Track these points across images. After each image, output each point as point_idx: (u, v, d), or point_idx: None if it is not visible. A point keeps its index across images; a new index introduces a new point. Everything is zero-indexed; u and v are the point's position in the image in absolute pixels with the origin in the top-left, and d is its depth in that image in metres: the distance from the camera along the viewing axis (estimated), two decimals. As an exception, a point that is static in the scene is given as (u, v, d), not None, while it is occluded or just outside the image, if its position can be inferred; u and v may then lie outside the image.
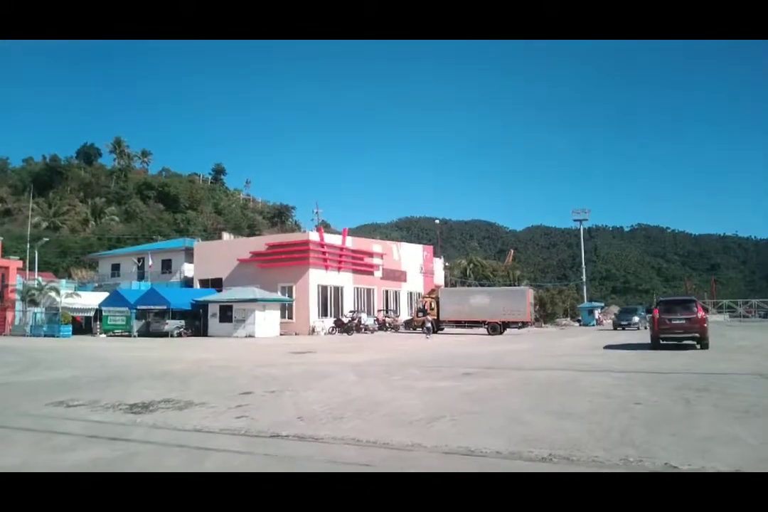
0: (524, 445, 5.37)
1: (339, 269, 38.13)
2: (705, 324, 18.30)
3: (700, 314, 18.39)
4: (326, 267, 37.11)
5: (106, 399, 8.72)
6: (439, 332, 35.23)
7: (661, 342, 19.04)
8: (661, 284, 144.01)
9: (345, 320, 35.59)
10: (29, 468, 4.69)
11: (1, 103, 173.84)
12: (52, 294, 35.66)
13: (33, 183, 77.46)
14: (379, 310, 40.87)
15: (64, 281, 41.79)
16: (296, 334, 33.92)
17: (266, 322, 32.77)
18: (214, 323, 33.90)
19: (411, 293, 44.99)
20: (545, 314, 55.38)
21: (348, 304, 38.31)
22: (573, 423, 6.42)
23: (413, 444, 5.50)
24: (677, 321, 18.38)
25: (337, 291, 37.93)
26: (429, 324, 31.36)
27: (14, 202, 77.54)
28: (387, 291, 42.83)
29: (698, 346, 18.48)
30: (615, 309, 62.12)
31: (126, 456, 5.13)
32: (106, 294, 37.06)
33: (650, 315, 20.39)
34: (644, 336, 23.86)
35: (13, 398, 9.13)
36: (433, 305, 35.61)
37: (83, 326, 37.42)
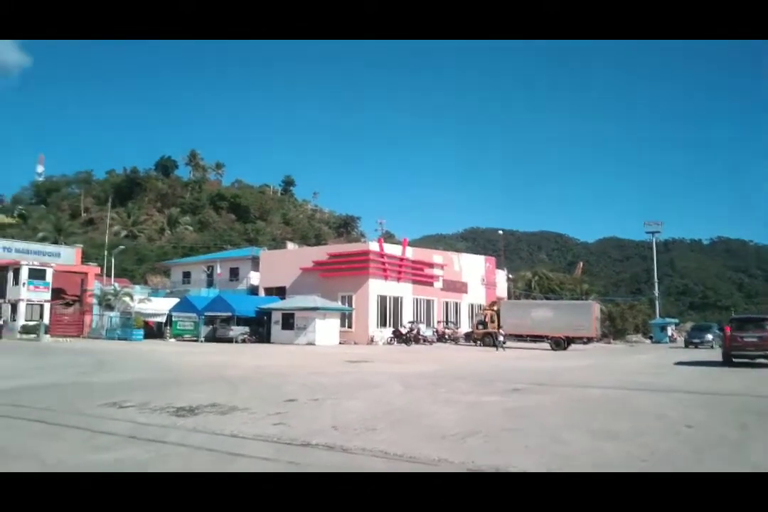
0: (555, 464, 5.19)
1: (399, 279, 38.19)
2: None
3: None
4: (386, 278, 37.26)
5: (157, 401, 9.06)
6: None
7: (733, 360, 19.11)
8: (743, 300, 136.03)
9: (404, 330, 35.54)
10: (63, 465, 4.93)
11: (86, 118, 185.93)
12: (126, 299, 37.47)
13: (114, 193, 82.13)
14: (438, 321, 40.58)
15: (138, 287, 43.85)
16: (355, 343, 34.17)
17: (326, 331, 33.20)
18: (276, 330, 34.65)
19: (472, 305, 44.44)
20: (615, 330, 53.40)
21: (407, 315, 38.26)
22: (614, 444, 6.15)
23: (440, 459, 5.41)
24: (749, 339, 18.65)
25: (397, 301, 37.97)
26: (501, 338, 31.15)
27: (97, 212, 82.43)
28: (447, 303, 42.49)
29: None
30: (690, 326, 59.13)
31: (157, 458, 5.31)
32: (176, 300, 38.56)
33: (723, 333, 20.74)
34: (716, 354, 22.93)
35: (72, 397, 9.64)
36: (494, 318, 35.00)
37: (155, 330, 39.02)
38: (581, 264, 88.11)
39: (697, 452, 5.83)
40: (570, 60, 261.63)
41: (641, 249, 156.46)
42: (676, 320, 63.54)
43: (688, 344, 36.94)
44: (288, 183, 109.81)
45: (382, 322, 36.78)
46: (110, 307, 38.12)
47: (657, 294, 67.13)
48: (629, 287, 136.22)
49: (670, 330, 52.35)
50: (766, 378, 14.84)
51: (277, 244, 68.15)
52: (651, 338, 52.79)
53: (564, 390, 11.88)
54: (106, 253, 48.49)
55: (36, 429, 6.79)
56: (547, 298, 56.62)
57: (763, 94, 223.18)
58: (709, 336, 36.04)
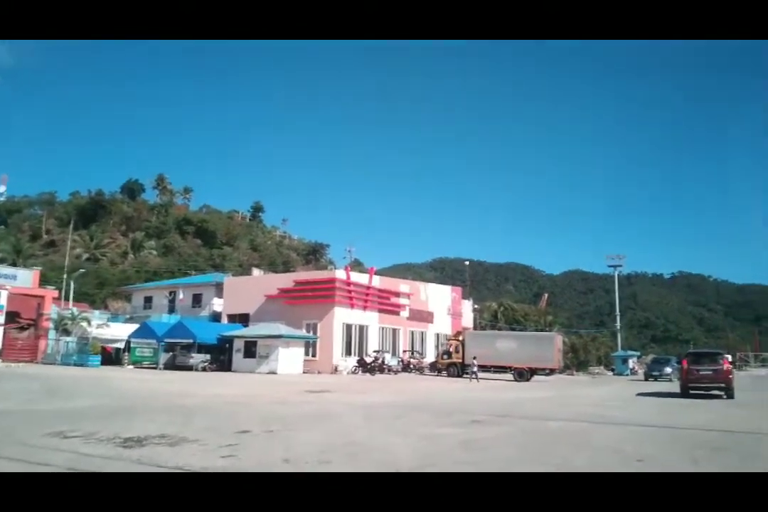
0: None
1: (365, 308, 38.04)
2: (730, 376, 19.78)
3: (726, 366, 19.96)
4: (352, 306, 37.07)
5: (106, 431, 8.74)
6: (464, 376, 34.55)
7: (690, 392, 20.18)
8: (703, 334, 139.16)
9: (368, 360, 35.24)
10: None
11: (51, 138, 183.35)
12: (84, 324, 36.43)
13: (77, 216, 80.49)
14: (404, 351, 40.40)
15: (97, 312, 42.71)
16: (319, 373, 33.69)
17: (289, 359, 32.69)
18: (238, 358, 33.98)
19: (438, 334, 44.43)
20: (577, 361, 53.91)
21: (372, 344, 37.99)
22: (565, 479, 6.13)
23: (390, 493, 5.31)
24: (705, 372, 19.82)
25: (362, 330, 37.74)
26: (475, 368, 31.14)
27: (59, 234, 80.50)
28: (413, 332, 42.40)
29: (725, 396, 19.57)
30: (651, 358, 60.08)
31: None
32: (136, 326, 37.64)
33: (680, 366, 22.31)
34: (674, 387, 23.44)
35: (17, 426, 9.24)
36: (459, 348, 35.01)
37: (113, 357, 37.91)
38: (546, 296, 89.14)
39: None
40: (536, 88, 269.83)
41: (605, 282, 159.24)
42: (638, 353, 64.50)
43: (647, 377, 37.45)
44: (257, 209, 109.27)
45: (347, 351, 36.43)
46: (67, 332, 37.00)
47: (619, 327, 68.18)
48: (593, 319, 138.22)
49: (631, 363, 53.01)
50: (723, 411, 15.06)
51: (244, 270, 67.39)
52: (613, 370, 53.38)
53: (523, 422, 11.87)
54: (65, 276, 47.28)
55: (-31, 461, 6.46)
56: (512, 329, 56.99)
57: (722, 129, 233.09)
58: (668, 370, 36.57)
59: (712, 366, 19.95)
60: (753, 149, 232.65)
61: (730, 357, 24.99)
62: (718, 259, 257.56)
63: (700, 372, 19.93)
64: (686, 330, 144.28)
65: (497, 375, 34.07)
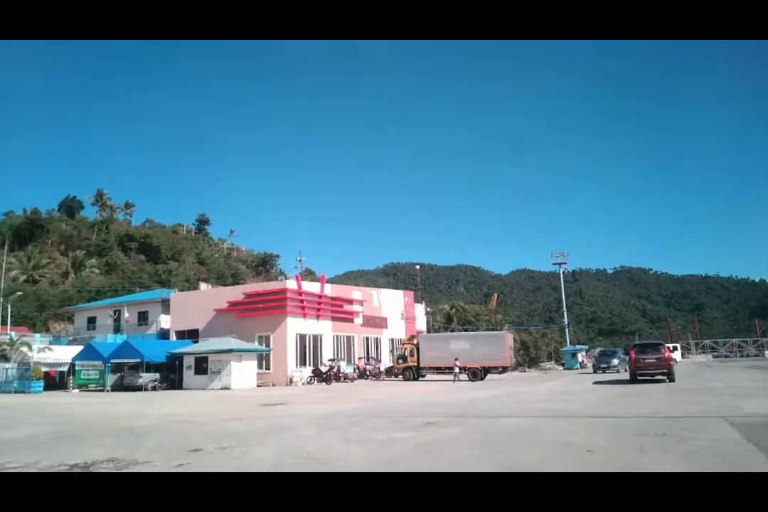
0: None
1: (318, 317, 37.82)
2: (671, 362, 23.39)
3: (667, 354, 23.25)
4: (304, 316, 36.81)
5: (48, 459, 8.40)
6: (421, 379, 34.77)
7: (638, 378, 23.32)
8: (647, 325, 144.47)
9: (324, 369, 35.03)
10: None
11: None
12: (24, 349, 34.88)
13: (13, 236, 77.06)
14: (359, 358, 40.35)
15: (38, 335, 40.94)
16: (273, 385, 33.27)
17: (242, 374, 32.16)
18: (189, 375, 33.19)
19: (392, 339, 44.56)
20: (529, 358, 55.03)
21: (327, 353, 37.80)
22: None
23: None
24: (649, 360, 22.92)
25: (316, 339, 37.50)
26: (457, 369, 31.97)
27: (-7, 256, 76.84)
28: (368, 339, 42.41)
29: (667, 380, 22.81)
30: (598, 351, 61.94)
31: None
32: (80, 348, 36.29)
33: (628, 356, 25.83)
34: (620, 377, 24.55)
35: (-50, 461, 8.75)
36: (413, 351, 35.23)
37: (57, 381, 36.42)
38: (495, 295, 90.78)
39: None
40: (483, 86, 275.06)
41: (551, 279, 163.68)
42: (586, 346, 66.42)
43: (596, 369, 38.52)
44: (202, 221, 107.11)
45: (302, 362, 36.13)
46: (6, 358, 35.32)
47: (567, 323, 70.08)
48: (542, 316, 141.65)
49: (580, 357, 54.52)
50: (665, 400, 15.66)
51: (191, 284, 65.93)
52: (563, 365, 54.75)
53: (477, 421, 12.04)
54: (1, 299, 45.17)
55: None
56: (465, 330, 57.73)
57: (662, 122, 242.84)
58: (615, 361, 37.66)
59: (656, 355, 22.90)
60: (695, 139, 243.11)
61: (671, 346, 27.57)
62: (657, 253, 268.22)
63: (646, 361, 22.85)
64: (631, 322, 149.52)
65: (451, 377, 34.43)
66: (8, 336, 37.17)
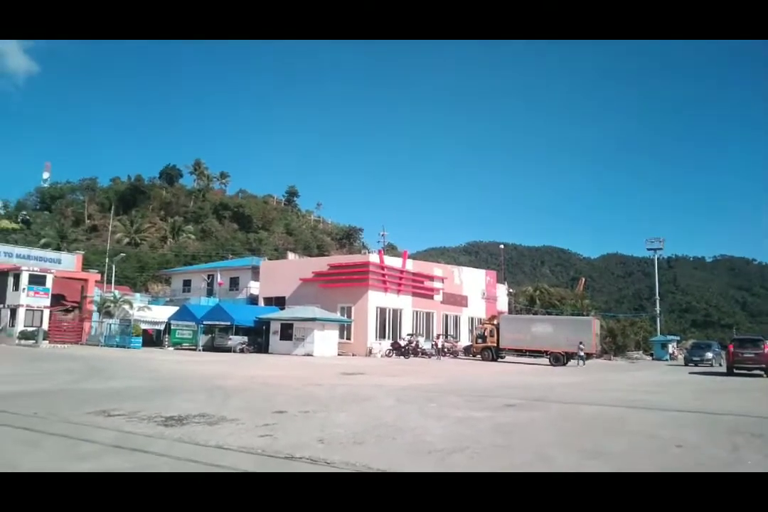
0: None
1: (398, 292, 38.13)
2: None
3: (766, 350, 23.74)
4: (385, 290, 37.21)
5: (147, 410, 9.01)
6: (499, 360, 34.43)
7: (735, 371, 24.22)
8: (746, 319, 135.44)
9: (402, 343, 35.40)
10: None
11: (91, 126, 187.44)
12: (126, 306, 37.45)
13: (118, 201, 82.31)
14: (437, 335, 40.41)
15: (138, 295, 43.81)
16: (353, 355, 34.04)
17: (324, 342, 33.09)
18: (275, 340, 34.53)
19: (472, 318, 44.29)
20: (615, 346, 53.09)
21: (406, 327, 38.13)
22: (600, 463, 6.08)
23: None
24: (748, 355, 23.82)
25: (396, 313, 37.88)
26: (582, 352, 31.62)
27: (101, 219, 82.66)
28: (447, 316, 42.37)
29: (765, 375, 23.56)
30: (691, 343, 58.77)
31: (137, 469, 5.26)
32: (176, 309, 38.54)
33: (725, 350, 27.14)
34: (714, 371, 25.07)
35: (61, 405, 9.59)
36: (493, 332, 34.84)
37: (154, 338, 38.97)
38: (583, 279, 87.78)
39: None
40: (574, 65, 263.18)
41: (644, 265, 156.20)
42: (678, 337, 63.12)
43: (687, 362, 36.58)
44: (292, 193, 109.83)
45: (381, 334, 36.67)
46: (110, 315, 38.10)
47: (659, 311, 66.79)
48: (631, 303, 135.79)
49: (671, 348, 51.98)
50: (760, 399, 14.71)
51: (280, 254, 68.17)
52: (651, 355, 52.45)
53: (558, 406, 11.78)
54: (107, 260, 48.58)
55: (18, 437, 6.76)
56: (548, 313, 56.42)
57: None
58: (709, 355, 35.47)
59: (755, 350, 23.80)
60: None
61: None
62: (762, 242, 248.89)
63: (744, 355, 23.86)
64: (728, 314, 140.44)
65: (532, 360, 33.86)
66: (112, 294, 40.00)
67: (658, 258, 71.86)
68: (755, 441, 7.83)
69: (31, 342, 33.72)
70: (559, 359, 32.16)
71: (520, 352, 34.11)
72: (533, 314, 54.87)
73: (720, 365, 32.98)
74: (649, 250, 69.62)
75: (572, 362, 32.18)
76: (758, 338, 26.19)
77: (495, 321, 36.17)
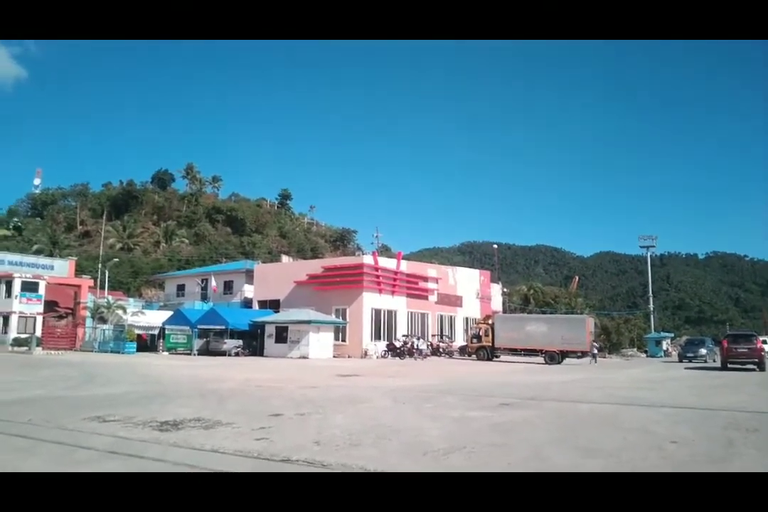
0: (533, 482, 5.14)
1: (393, 293, 38.15)
2: (762, 353, 24.89)
3: (759, 345, 24.95)
4: (380, 291, 37.22)
5: (142, 415, 8.98)
6: (495, 359, 34.50)
7: (729, 365, 25.08)
8: (739, 315, 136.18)
9: (398, 344, 35.43)
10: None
11: (82, 131, 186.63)
12: (120, 312, 37.33)
13: (110, 206, 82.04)
14: (433, 335, 40.47)
15: (132, 300, 43.64)
16: (349, 357, 34.04)
17: (320, 344, 33.08)
18: (270, 343, 34.50)
19: (467, 318, 44.39)
20: (610, 344, 53.33)
21: (401, 328, 38.17)
22: (596, 461, 6.10)
23: (420, 475, 5.36)
24: (741, 350, 24.66)
25: (391, 314, 37.90)
26: (596, 350, 33.41)
27: (93, 225, 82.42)
28: (442, 316, 42.44)
29: (757, 369, 24.42)
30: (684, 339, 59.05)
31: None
32: (170, 313, 38.43)
33: (719, 346, 28.20)
34: (708, 367, 25.36)
35: (56, 411, 9.54)
36: (488, 331, 34.92)
37: (148, 343, 38.85)
38: (577, 278, 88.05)
39: (679, 469, 5.78)
40: (567, 64, 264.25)
41: (637, 263, 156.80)
42: (672, 334, 63.52)
43: (681, 358, 36.78)
44: (285, 196, 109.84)
45: (377, 336, 36.68)
46: (103, 320, 37.97)
47: (652, 309, 67.14)
48: (625, 301, 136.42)
49: (665, 345, 52.27)
50: (756, 394, 14.79)
51: (273, 257, 68.11)
52: (646, 352, 52.70)
53: (554, 404, 11.81)
54: (100, 265, 48.39)
55: (13, 444, 6.71)
56: (543, 312, 56.57)
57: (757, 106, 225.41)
58: (703, 351, 35.63)
59: (748, 345, 24.66)
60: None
61: (764, 338, 29.21)
62: (754, 238, 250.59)
63: (738, 350, 24.66)
64: (721, 310, 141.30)
65: (527, 359, 33.96)
66: (105, 300, 39.85)
67: (651, 256, 72.26)
68: (750, 436, 7.86)
69: (24, 349, 33.48)
70: (554, 357, 32.29)
71: (515, 351, 34.27)
72: (528, 313, 55.00)
73: (714, 361, 33.16)
74: (641, 247, 70.18)
75: (574, 360, 32.59)
76: (751, 333, 27.43)
77: (490, 321, 36.28)
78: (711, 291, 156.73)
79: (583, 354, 33.20)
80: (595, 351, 33.42)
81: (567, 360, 32.91)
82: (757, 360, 24.58)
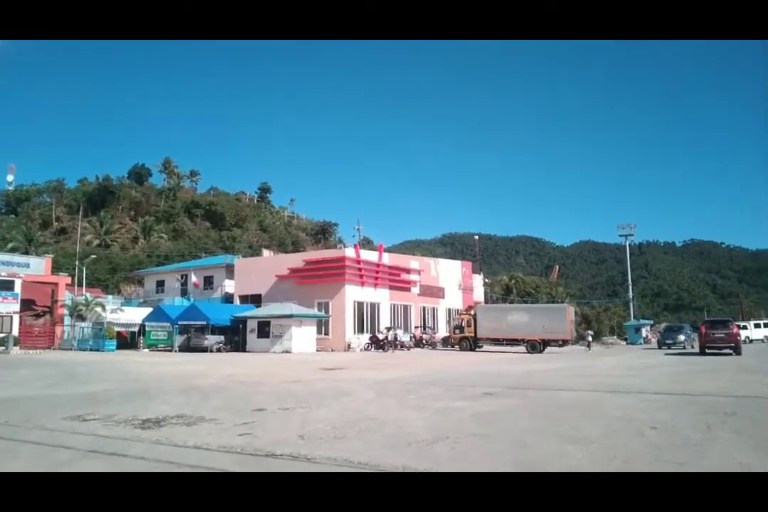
0: (516, 470, 5.17)
1: (375, 285, 38.14)
2: (738, 338, 26.14)
3: (735, 330, 26.05)
4: (362, 284, 37.18)
5: (123, 413, 8.88)
6: (477, 350, 34.72)
7: (707, 350, 26.08)
8: (716, 301, 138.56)
9: (381, 336, 35.46)
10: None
11: (57, 126, 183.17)
12: (98, 309, 36.80)
13: (86, 202, 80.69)
14: (416, 327, 40.59)
15: (110, 297, 43.05)
16: (332, 350, 34.00)
17: (303, 338, 32.97)
18: (252, 338, 34.30)
19: (449, 310, 44.57)
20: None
21: (384, 321, 38.20)
22: (578, 448, 6.16)
23: (404, 466, 5.36)
24: (718, 335, 25.74)
25: (374, 307, 37.90)
26: (590, 337, 35.78)
27: (69, 221, 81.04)
28: (424, 308, 42.56)
29: (733, 353, 25.39)
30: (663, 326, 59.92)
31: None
32: (150, 310, 38.00)
33: (697, 332, 29.06)
34: (687, 352, 25.97)
35: (36, 411, 9.39)
36: (471, 322, 35.13)
37: (128, 341, 38.38)
38: (557, 267, 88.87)
39: (659, 454, 5.86)
40: (551, 60, 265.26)
41: (616, 252, 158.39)
42: (651, 321, 64.34)
43: (661, 345, 37.28)
44: (264, 190, 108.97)
45: (360, 329, 36.68)
46: (82, 318, 37.40)
47: (632, 297, 67.99)
48: (605, 290, 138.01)
49: (644, 332, 52.96)
50: (735, 379, 15.06)
51: (254, 251, 67.65)
52: (626, 340, 53.41)
53: (535, 393, 11.93)
54: (77, 262, 47.65)
55: (-9, 446, 6.59)
56: (524, 302, 57.01)
57: (745, 97, 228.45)
58: (681, 337, 36.09)
59: (724, 331, 25.66)
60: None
61: (743, 325, 29.70)
62: (730, 226, 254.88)
63: (715, 335, 25.68)
64: (699, 297, 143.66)
65: (509, 349, 34.22)
66: (84, 297, 39.25)
67: (629, 245, 73.00)
68: (728, 420, 8.01)
69: (1, 348, 32.89)
70: (536, 346, 32.61)
71: (498, 341, 34.51)
72: (509, 303, 55.39)
73: (692, 347, 33.72)
74: (620, 236, 70.72)
75: (555, 348, 33.15)
76: (727, 319, 28.54)
77: (472, 312, 36.49)
78: (689, 278, 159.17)
79: (564, 342, 33.55)
80: (590, 338, 34.33)
81: (548, 349, 33.25)
82: (733, 344, 25.60)
